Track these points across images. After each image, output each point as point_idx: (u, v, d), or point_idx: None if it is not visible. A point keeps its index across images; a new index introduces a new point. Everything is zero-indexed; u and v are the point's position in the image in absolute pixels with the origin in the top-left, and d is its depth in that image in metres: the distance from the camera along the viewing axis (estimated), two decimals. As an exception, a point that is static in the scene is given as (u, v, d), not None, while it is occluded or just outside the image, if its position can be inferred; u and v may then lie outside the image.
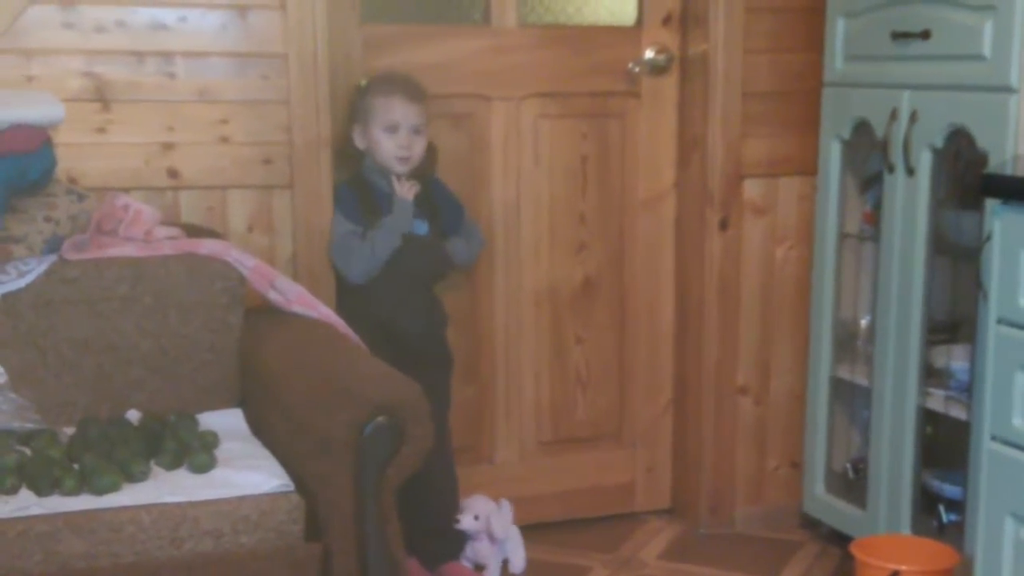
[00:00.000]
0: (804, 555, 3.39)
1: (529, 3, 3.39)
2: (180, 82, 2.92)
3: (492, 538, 3.17)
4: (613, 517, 3.61)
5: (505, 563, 3.22)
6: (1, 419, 2.50)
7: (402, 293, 3.05)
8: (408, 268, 3.03)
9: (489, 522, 3.14)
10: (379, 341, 2.87)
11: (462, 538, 3.17)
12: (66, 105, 2.73)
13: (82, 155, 2.87)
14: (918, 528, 3.05)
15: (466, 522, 3.13)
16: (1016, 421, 2.45)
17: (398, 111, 3.02)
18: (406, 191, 3.04)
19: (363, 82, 3.10)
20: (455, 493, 3.21)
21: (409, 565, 3.05)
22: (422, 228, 3.08)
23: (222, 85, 2.96)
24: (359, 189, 3.07)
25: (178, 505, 2.25)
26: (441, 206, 3.14)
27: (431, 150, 3.13)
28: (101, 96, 2.88)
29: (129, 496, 2.27)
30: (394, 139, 3.03)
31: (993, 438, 2.51)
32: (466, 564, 3.18)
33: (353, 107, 3.09)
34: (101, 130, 2.89)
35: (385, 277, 3.03)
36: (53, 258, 2.66)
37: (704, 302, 3.45)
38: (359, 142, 3.07)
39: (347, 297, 3.06)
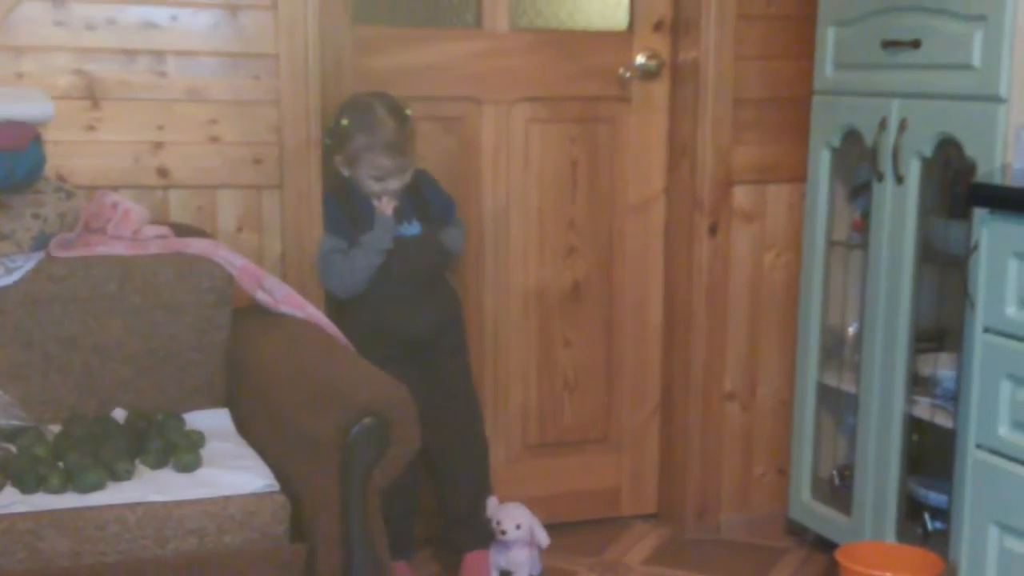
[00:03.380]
0: (789, 561, 3.40)
1: (521, 7, 3.39)
2: (170, 81, 2.92)
3: (531, 546, 3.19)
4: (599, 521, 3.61)
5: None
6: (-13, 416, 2.50)
7: (405, 295, 3.06)
8: (406, 270, 3.05)
9: (533, 531, 3.17)
10: (386, 343, 2.94)
11: (487, 529, 3.18)
12: (56, 102, 2.73)
13: (71, 153, 2.87)
14: (903, 535, 3.05)
15: (511, 532, 3.14)
16: (1001, 429, 2.46)
17: (384, 164, 3.02)
18: (385, 206, 3.04)
19: (344, 121, 3.02)
20: (485, 482, 3.24)
21: (396, 568, 3.07)
22: (414, 229, 3.08)
23: (212, 85, 2.95)
24: (344, 201, 3.07)
25: (163, 504, 2.25)
26: (431, 200, 3.14)
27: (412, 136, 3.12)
28: (91, 94, 2.88)
29: (114, 495, 2.26)
30: (379, 185, 3.03)
31: (978, 446, 2.52)
32: (495, 570, 3.20)
33: (333, 137, 3.04)
34: (91, 128, 2.89)
35: (385, 282, 3.04)
36: (41, 255, 2.66)
37: (692, 307, 3.46)
38: (343, 170, 3.06)
39: (351, 305, 3.08)
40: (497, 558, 3.20)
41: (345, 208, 3.07)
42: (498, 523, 3.15)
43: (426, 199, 3.13)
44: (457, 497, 3.21)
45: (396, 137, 3.01)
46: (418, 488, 3.18)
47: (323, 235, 3.06)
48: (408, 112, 3.06)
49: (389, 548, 3.05)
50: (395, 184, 3.04)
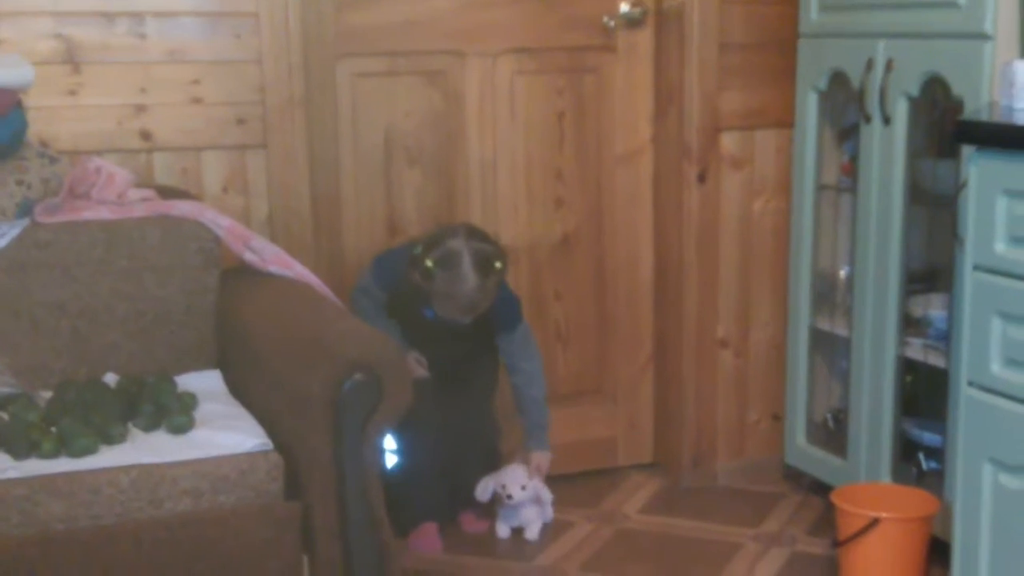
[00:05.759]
0: (786, 506, 3.41)
1: (502, -42, 3.37)
2: (151, 43, 2.90)
3: (538, 502, 3.22)
4: (595, 472, 3.62)
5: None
6: (-23, 384, 2.50)
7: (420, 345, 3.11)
8: (445, 359, 3.12)
9: (538, 490, 3.19)
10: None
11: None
12: (36, 68, 2.71)
13: (54, 118, 2.86)
14: (898, 476, 3.06)
15: (518, 495, 3.15)
16: (993, 367, 2.45)
17: (457, 317, 2.99)
18: (416, 368, 3.03)
19: (428, 263, 2.93)
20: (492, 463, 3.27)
21: (425, 529, 3.16)
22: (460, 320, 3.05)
23: (193, 45, 2.93)
24: (404, 287, 3.01)
25: (156, 466, 2.25)
26: (494, 316, 3.09)
27: (508, 259, 3.07)
28: (71, 58, 2.86)
29: (107, 458, 2.27)
30: (448, 317, 3.01)
31: (970, 384, 2.51)
32: (505, 528, 3.22)
33: (415, 264, 2.96)
34: (72, 92, 2.87)
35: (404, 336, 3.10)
36: (26, 222, 2.65)
37: (683, 256, 3.45)
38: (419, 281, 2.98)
39: None
40: (508, 519, 3.22)
41: (401, 290, 3.02)
42: (503, 487, 3.16)
43: (489, 312, 3.04)
44: (461, 470, 3.23)
45: (477, 296, 2.94)
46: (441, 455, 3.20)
47: (366, 273, 3.07)
48: (497, 265, 2.97)
49: (419, 511, 3.13)
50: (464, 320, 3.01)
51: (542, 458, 3.21)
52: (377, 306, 3.07)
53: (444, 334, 3.07)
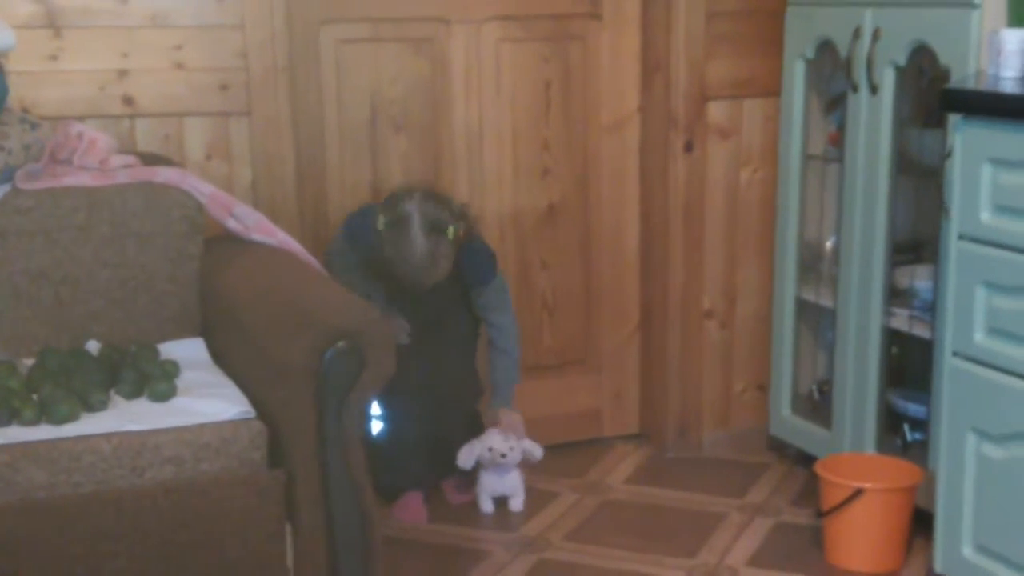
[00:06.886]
0: (771, 476, 3.41)
1: (489, -76, 3.34)
2: (132, 7, 2.87)
3: (521, 468, 3.20)
4: (581, 443, 3.62)
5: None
6: (-42, 351, 2.48)
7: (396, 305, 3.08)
8: (418, 318, 3.09)
9: (526, 451, 3.17)
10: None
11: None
12: (16, 32, 2.69)
13: (35, 83, 2.83)
14: (883, 447, 3.06)
15: (511, 455, 3.13)
16: (977, 336, 2.46)
17: (409, 281, 2.95)
18: (392, 324, 2.99)
19: (380, 224, 2.92)
20: (474, 422, 3.25)
21: (409, 499, 3.16)
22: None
23: (175, 10, 2.91)
24: (373, 249, 2.98)
25: (138, 433, 2.24)
26: (466, 267, 3.06)
27: (471, 230, 3.04)
28: (52, 22, 2.83)
29: (89, 425, 2.26)
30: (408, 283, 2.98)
31: (955, 354, 2.52)
32: (489, 503, 3.21)
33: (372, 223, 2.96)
34: (53, 57, 2.84)
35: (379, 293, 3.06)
36: (7, 188, 2.63)
37: (669, 226, 3.44)
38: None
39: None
40: (494, 484, 3.20)
41: (371, 249, 2.98)
42: (491, 450, 3.14)
43: (460, 262, 3.01)
44: (443, 439, 3.22)
45: (426, 262, 2.90)
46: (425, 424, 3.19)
47: (337, 235, 3.05)
48: (449, 232, 2.92)
49: (403, 480, 3.13)
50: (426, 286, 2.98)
51: (510, 417, 3.17)
52: (354, 266, 3.04)
53: (418, 293, 3.04)
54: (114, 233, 2.67)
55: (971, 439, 2.50)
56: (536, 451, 3.19)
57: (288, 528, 2.31)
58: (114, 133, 2.86)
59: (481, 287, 3.13)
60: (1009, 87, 2.45)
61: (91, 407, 2.30)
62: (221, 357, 2.60)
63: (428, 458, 3.20)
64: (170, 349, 2.62)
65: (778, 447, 3.52)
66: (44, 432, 2.23)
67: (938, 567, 2.63)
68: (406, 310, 3.07)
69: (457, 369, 3.22)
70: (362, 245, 3.01)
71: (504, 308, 3.17)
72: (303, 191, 3.15)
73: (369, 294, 2.95)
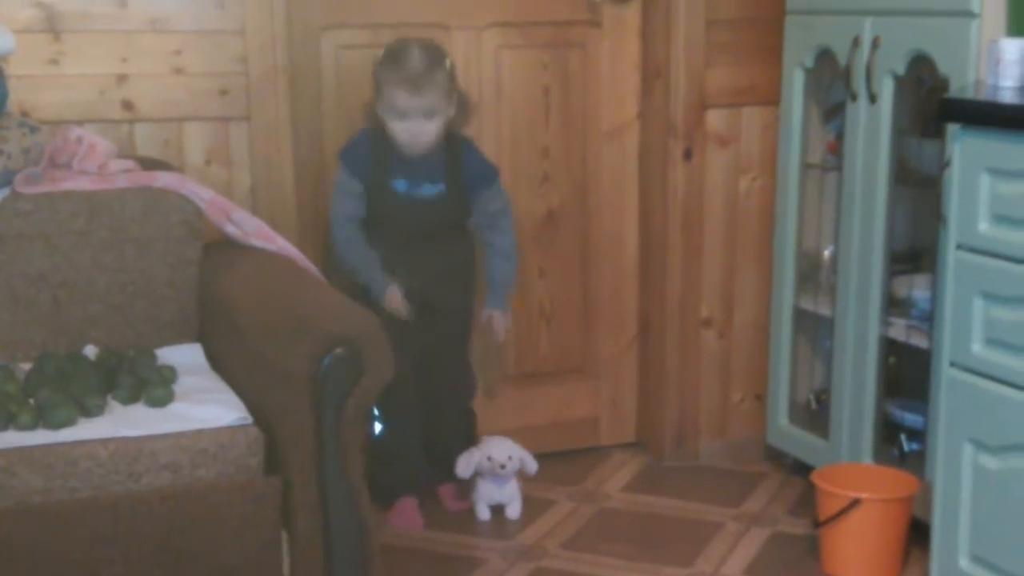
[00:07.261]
0: (768, 486, 3.41)
1: (490, -70, 3.34)
2: (132, 11, 2.87)
3: (518, 478, 3.21)
4: (578, 451, 3.62)
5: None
6: (-45, 355, 2.48)
7: (414, 251, 3.05)
8: (419, 230, 3.05)
9: (523, 462, 3.18)
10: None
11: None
12: (17, 36, 2.68)
13: (34, 87, 2.83)
14: (880, 457, 3.06)
15: (509, 465, 3.14)
16: (975, 347, 2.45)
17: (402, 101, 2.94)
18: (393, 298, 3.00)
19: (379, 53, 2.98)
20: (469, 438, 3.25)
21: (404, 504, 3.15)
22: (437, 188, 3.04)
23: (175, 14, 2.91)
24: (377, 142, 3.00)
25: (135, 439, 2.23)
26: (465, 165, 3.06)
27: (464, 107, 3.05)
28: (52, 27, 2.83)
29: (86, 430, 2.25)
30: (402, 124, 2.96)
31: (952, 364, 2.51)
32: (486, 510, 3.21)
33: (373, 76, 3.00)
34: (53, 61, 2.85)
35: (396, 234, 3.05)
36: (6, 192, 2.63)
37: (668, 234, 3.44)
38: (380, 113, 2.99)
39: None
40: (491, 492, 3.21)
41: (374, 147, 3.00)
42: (490, 459, 3.14)
43: (460, 163, 3.05)
44: (439, 440, 3.22)
45: (420, 73, 2.91)
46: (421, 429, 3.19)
47: (338, 175, 3.02)
48: (445, 58, 2.97)
49: (399, 486, 3.14)
50: (419, 128, 2.95)
51: (499, 318, 3.18)
52: (358, 233, 3.03)
53: (418, 212, 3.03)
54: (113, 238, 2.67)
55: (968, 450, 2.50)
56: (531, 464, 3.20)
57: (284, 535, 2.31)
58: (113, 138, 2.86)
59: (486, 189, 3.11)
60: (1008, 97, 2.45)
61: (88, 412, 2.30)
62: (219, 363, 2.60)
63: (424, 461, 3.19)
64: (168, 354, 2.62)
65: (775, 457, 3.52)
66: (41, 437, 2.22)
67: (935, 578, 2.63)
68: (403, 239, 3.07)
69: (451, 362, 3.22)
70: (363, 171, 3.00)
71: (506, 211, 3.16)
72: (302, 197, 3.14)
73: (373, 262, 2.97)
